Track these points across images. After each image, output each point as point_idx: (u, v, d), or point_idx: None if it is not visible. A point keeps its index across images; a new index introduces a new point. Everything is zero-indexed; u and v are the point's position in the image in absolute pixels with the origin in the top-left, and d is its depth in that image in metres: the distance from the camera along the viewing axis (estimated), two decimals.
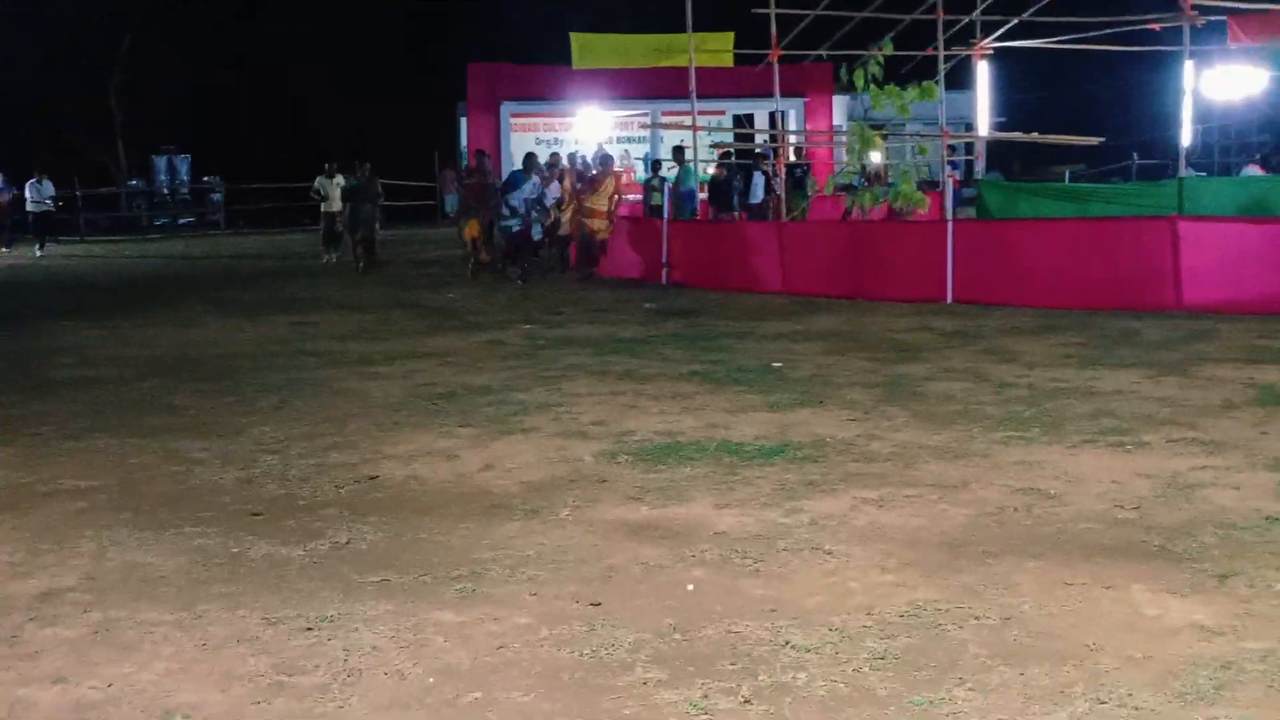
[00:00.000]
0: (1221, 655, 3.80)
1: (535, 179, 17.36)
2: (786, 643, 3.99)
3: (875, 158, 18.92)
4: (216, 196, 36.54)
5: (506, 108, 27.15)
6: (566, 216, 17.43)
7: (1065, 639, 3.97)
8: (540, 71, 27.44)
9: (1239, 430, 6.82)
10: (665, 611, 4.29)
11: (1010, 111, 27.73)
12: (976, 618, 4.16)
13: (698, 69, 18.83)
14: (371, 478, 6.32)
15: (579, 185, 17.54)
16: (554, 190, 17.47)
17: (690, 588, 4.64)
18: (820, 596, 4.42)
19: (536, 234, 17.44)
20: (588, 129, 26.73)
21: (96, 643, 4.15)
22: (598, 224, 17.04)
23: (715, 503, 5.67)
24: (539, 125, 27.73)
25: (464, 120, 28.84)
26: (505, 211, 17.25)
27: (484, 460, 6.60)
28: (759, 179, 19.58)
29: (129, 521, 5.61)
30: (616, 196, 17.67)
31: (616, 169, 19.78)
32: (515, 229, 17.22)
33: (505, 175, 19.70)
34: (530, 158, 17.97)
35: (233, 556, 5.06)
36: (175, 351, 11.21)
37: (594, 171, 18.42)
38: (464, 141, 29.12)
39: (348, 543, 5.20)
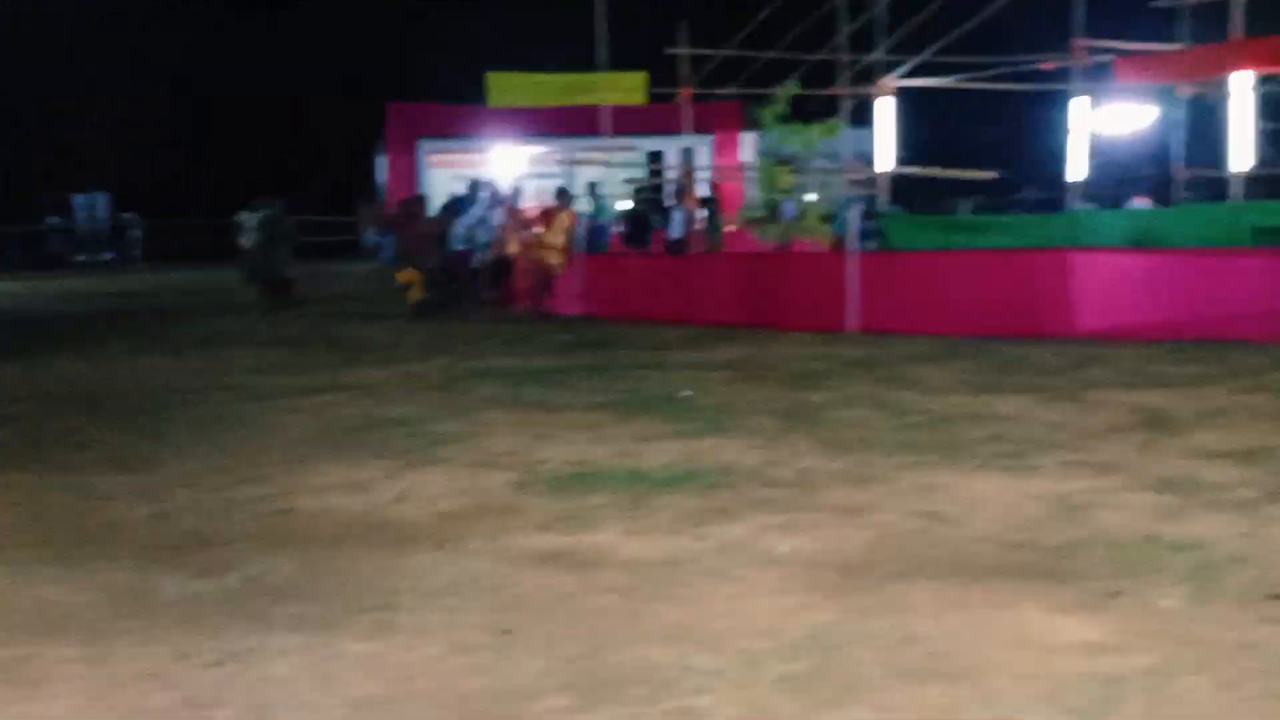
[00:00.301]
0: (1107, 671, 3.92)
1: (483, 196, 17.44)
2: (692, 667, 4.04)
3: (810, 196, 19.41)
4: (135, 233, 36.21)
5: (424, 145, 27.24)
6: (513, 250, 17.28)
7: (960, 658, 4.07)
8: (457, 110, 27.63)
9: (1125, 452, 7.07)
10: (574, 638, 4.34)
11: (912, 146, 28.41)
12: (876, 639, 4.25)
13: (611, 106, 19.12)
14: (285, 511, 6.30)
15: (520, 219, 17.44)
16: (497, 216, 17.44)
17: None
18: (726, 620, 4.49)
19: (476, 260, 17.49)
20: (504, 165, 26.84)
21: (2, 681, 4.09)
22: (553, 257, 16.79)
23: (624, 530, 5.73)
24: (456, 162, 27.80)
25: (380, 158, 28.86)
26: (459, 233, 17.30)
27: (397, 491, 6.62)
28: (678, 215, 19.82)
29: (38, 558, 5.53)
30: (571, 228, 17.65)
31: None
32: (460, 249, 17.25)
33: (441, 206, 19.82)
34: (475, 184, 18.17)
35: (143, 592, 5.01)
36: (91, 387, 11.04)
37: (512, 202, 18.46)
38: (380, 177, 29.12)
39: (260, 576, 5.18)
